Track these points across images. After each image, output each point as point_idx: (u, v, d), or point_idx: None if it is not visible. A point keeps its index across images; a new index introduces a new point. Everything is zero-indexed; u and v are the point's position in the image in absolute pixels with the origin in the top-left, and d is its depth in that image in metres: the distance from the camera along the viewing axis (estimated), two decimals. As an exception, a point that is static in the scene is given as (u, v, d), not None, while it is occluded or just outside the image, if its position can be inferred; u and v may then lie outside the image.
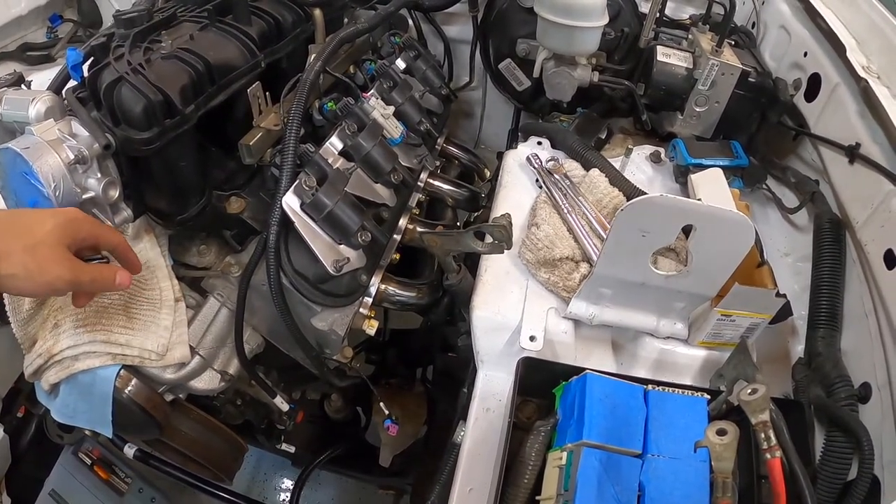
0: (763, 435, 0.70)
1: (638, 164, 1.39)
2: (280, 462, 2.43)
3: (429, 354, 1.81)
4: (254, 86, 1.13)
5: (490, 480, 0.94)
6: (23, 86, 1.09)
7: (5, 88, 1.02)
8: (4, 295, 1.12)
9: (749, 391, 0.72)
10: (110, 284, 0.87)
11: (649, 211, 0.86)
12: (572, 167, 1.25)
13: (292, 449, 1.84)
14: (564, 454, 0.79)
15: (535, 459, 0.82)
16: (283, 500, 2.55)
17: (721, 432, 0.70)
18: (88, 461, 2.00)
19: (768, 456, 0.68)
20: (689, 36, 1.48)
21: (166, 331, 1.12)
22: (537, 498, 0.80)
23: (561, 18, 1.31)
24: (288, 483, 2.55)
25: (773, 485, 0.67)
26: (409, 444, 1.86)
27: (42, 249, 0.77)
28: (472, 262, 1.15)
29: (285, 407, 1.40)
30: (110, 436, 1.14)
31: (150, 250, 1.14)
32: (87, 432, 1.82)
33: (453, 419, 1.15)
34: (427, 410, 1.87)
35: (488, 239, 0.98)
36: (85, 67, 1.02)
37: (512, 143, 1.88)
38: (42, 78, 1.18)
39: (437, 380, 1.85)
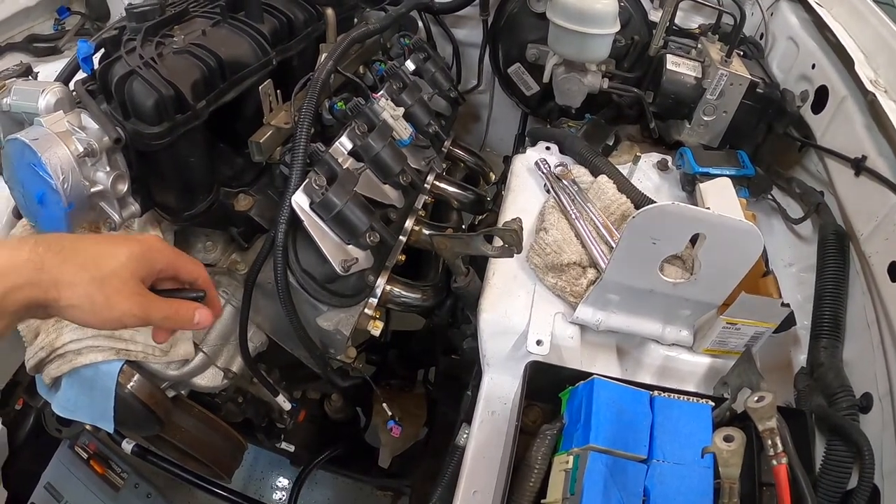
0: (770, 442, 0.70)
1: (645, 171, 1.39)
2: (277, 460, 2.42)
3: (430, 356, 1.81)
4: (265, 83, 1.13)
5: (494, 483, 0.94)
6: (30, 77, 1.09)
7: (14, 79, 1.02)
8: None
9: (756, 398, 0.72)
10: (187, 323, 0.78)
11: (662, 219, 0.87)
12: (580, 173, 1.25)
13: (291, 448, 1.83)
14: (571, 458, 0.79)
15: (540, 463, 0.82)
16: (279, 498, 2.54)
17: (728, 438, 0.70)
18: (85, 455, 2.00)
19: (775, 462, 0.68)
20: (699, 45, 1.49)
21: (171, 326, 1.12)
22: (542, 501, 0.80)
23: (574, 25, 1.32)
24: (284, 481, 2.55)
25: (778, 491, 0.67)
26: (409, 445, 1.86)
27: (112, 282, 0.70)
28: (479, 266, 1.15)
29: (287, 406, 1.40)
30: (111, 431, 1.14)
31: (157, 245, 1.14)
32: (86, 427, 1.82)
33: (454, 421, 1.15)
34: (427, 412, 1.87)
35: (498, 242, 0.98)
36: (95, 60, 1.02)
37: (518, 147, 1.88)
38: (49, 70, 1.18)
39: (440, 382, 1.85)
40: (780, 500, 0.66)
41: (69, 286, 0.67)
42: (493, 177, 1.72)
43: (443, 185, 1.46)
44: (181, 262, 0.79)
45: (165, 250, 0.78)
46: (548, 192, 1.26)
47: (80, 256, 0.69)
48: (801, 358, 1.13)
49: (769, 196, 1.39)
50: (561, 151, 1.39)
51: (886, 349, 0.98)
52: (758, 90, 1.36)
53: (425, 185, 1.42)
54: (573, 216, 1.14)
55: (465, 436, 1.03)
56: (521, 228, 0.94)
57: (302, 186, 1.04)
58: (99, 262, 0.70)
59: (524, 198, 1.28)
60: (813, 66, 1.40)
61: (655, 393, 0.84)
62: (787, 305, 0.99)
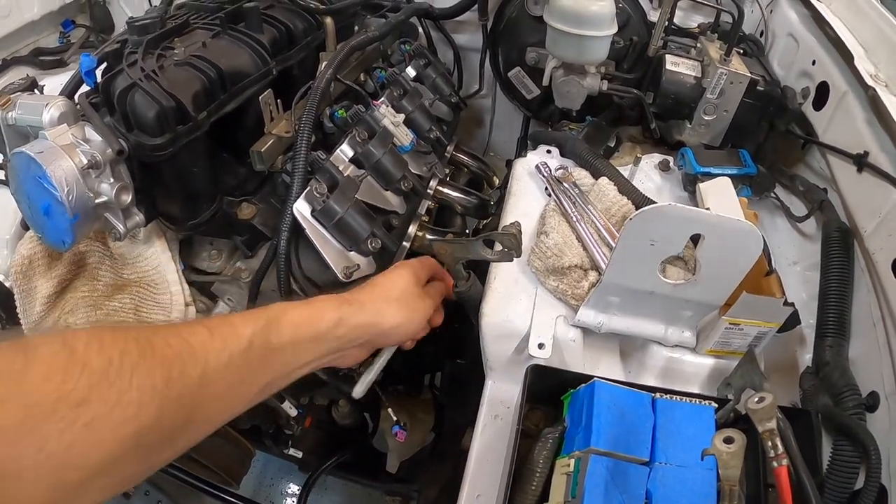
0: (770, 443, 0.70)
1: (646, 172, 1.39)
2: (287, 467, 2.43)
3: (436, 361, 1.80)
4: (265, 93, 1.14)
5: (497, 487, 0.94)
6: (35, 91, 1.10)
7: (19, 93, 1.04)
8: (15, 293, 1.13)
9: (756, 399, 0.72)
10: (450, 290, 1.07)
11: (658, 220, 0.87)
12: (581, 175, 1.25)
13: (299, 454, 1.83)
14: (572, 461, 0.79)
15: (542, 466, 0.82)
16: (289, 504, 2.55)
17: (728, 440, 0.70)
18: (96, 464, 2.01)
19: (775, 464, 0.68)
20: (698, 44, 1.48)
21: (176, 335, 1.13)
22: (544, 505, 0.81)
23: (570, 28, 1.32)
24: (294, 488, 2.55)
25: (779, 493, 0.67)
26: (417, 450, 1.86)
27: (407, 298, 0.92)
28: (480, 270, 1.16)
29: (293, 412, 1.41)
30: (120, 439, 1.14)
31: (161, 255, 1.15)
32: (95, 435, 1.82)
33: (461, 426, 1.15)
34: (434, 417, 1.87)
35: (497, 247, 0.98)
36: (98, 73, 1.04)
37: (521, 150, 1.88)
38: (54, 82, 1.19)
39: (446, 386, 1.85)
40: (780, 501, 0.66)
41: (388, 313, 0.89)
42: (497, 180, 1.72)
43: (445, 190, 1.47)
44: (434, 265, 1.04)
45: (430, 260, 1.04)
46: (549, 195, 1.26)
47: (380, 289, 0.91)
48: (806, 357, 1.12)
49: (772, 194, 1.38)
50: (562, 154, 1.38)
51: (892, 347, 0.97)
52: (758, 88, 1.35)
53: (428, 191, 1.42)
54: (574, 219, 1.14)
55: (473, 440, 1.03)
56: (521, 232, 0.94)
57: (303, 194, 1.05)
58: (393, 287, 0.92)
59: (525, 201, 1.28)
60: (813, 63, 1.39)
61: (657, 395, 0.84)
62: (791, 304, 0.98)
